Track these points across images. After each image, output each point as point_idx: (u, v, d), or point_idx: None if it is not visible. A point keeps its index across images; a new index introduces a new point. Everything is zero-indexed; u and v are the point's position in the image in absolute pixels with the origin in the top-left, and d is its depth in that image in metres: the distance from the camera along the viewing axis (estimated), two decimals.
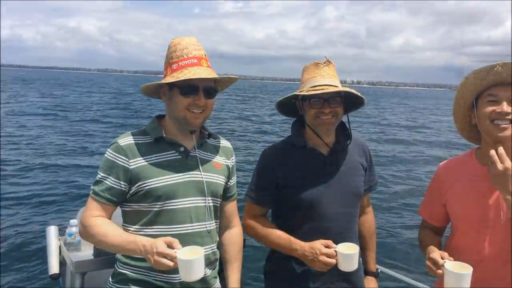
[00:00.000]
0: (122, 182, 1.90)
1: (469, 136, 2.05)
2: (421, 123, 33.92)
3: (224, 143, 2.24)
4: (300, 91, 2.09)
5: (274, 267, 2.31)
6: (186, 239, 1.87)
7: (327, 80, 2.10)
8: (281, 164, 2.18)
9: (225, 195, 2.18)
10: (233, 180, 2.25)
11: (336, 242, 1.99)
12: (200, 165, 2.02)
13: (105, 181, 1.91)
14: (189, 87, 1.91)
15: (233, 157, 2.24)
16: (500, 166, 1.70)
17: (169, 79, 1.91)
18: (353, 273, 2.18)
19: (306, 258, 2.02)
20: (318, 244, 1.98)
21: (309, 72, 2.15)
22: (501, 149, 1.73)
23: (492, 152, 1.74)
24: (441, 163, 2.16)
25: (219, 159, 2.14)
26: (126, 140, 1.96)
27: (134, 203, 1.95)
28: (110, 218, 1.95)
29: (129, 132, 2.03)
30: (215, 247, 2.11)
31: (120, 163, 1.90)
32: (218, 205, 2.13)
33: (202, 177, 2.01)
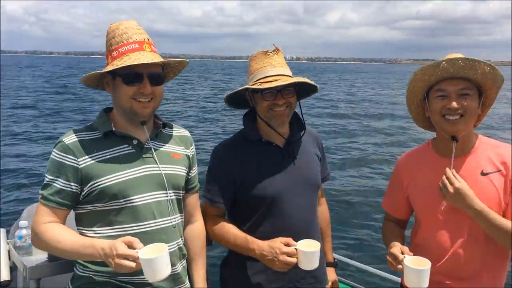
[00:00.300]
0: (72, 184, 1.78)
1: (425, 126, 2.09)
2: (361, 97, 35.03)
3: (182, 131, 2.13)
4: (253, 84, 1.97)
5: (230, 273, 2.18)
6: (150, 237, 1.79)
7: (279, 70, 2.00)
8: (235, 160, 2.06)
9: (187, 187, 2.07)
10: (194, 171, 2.13)
11: (300, 238, 1.91)
12: (156, 158, 1.91)
13: (54, 184, 1.78)
14: (132, 75, 1.78)
15: (192, 146, 2.13)
16: (451, 188, 1.78)
17: (109, 67, 1.79)
18: (318, 267, 2.15)
19: (264, 258, 1.91)
20: (278, 243, 1.88)
21: (258, 61, 2.03)
22: (448, 172, 1.80)
23: (443, 179, 1.81)
24: (400, 157, 2.18)
25: (177, 149, 2.02)
26: (72, 137, 1.83)
27: (89, 204, 1.82)
28: (63, 223, 1.83)
29: (74, 129, 1.90)
30: (182, 242, 2.01)
31: (68, 163, 1.78)
32: (181, 197, 2.02)
33: (160, 170, 1.89)
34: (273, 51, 2.03)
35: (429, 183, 1.95)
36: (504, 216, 1.84)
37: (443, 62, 1.79)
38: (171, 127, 2.08)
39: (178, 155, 2.00)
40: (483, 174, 1.87)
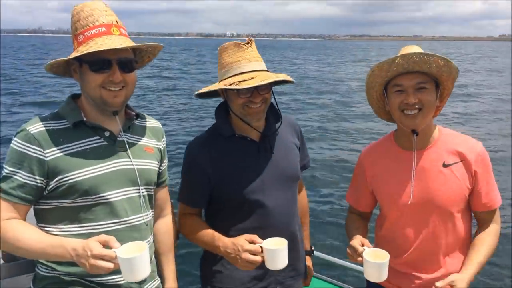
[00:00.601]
0: (37, 177, 1.63)
1: (388, 118, 2.10)
2: (302, 72, 35.49)
3: (153, 122, 2.01)
4: (228, 81, 1.84)
5: (209, 268, 2.10)
6: (122, 235, 1.69)
7: (254, 64, 1.90)
8: (210, 158, 1.97)
9: (157, 181, 1.97)
10: (165, 164, 2.04)
11: (282, 233, 1.85)
12: (129, 151, 1.79)
13: (15, 177, 1.62)
14: (99, 62, 1.65)
15: (163, 139, 2.03)
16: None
17: (74, 54, 1.64)
18: (299, 259, 2.13)
19: (228, 255, 1.83)
20: (241, 240, 1.79)
21: (231, 54, 1.91)
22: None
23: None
24: (363, 150, 2.18)
25: (150, 142, 1.92)
26: (37, 126, 1.66)
27: (54, 199, 1.68)
28: (24, 220, 1.67)
29: (39, 116, 1.72)
30: (152, 239, 1.94)
31: (33, 154, 1.62)
32: (152, 193, 1.93)
33: (133, 165, 1.78)
34: (247, 43, 1.92)
35: (393, 176, 1.97)
36: (469, 201, 1.92)
37: (398, 58, 1.78)
38: (143, 117, 1.96)
39: (150, 148, 1.90)
40: (445, 165, 1.90)
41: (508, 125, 15.05)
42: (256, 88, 1.85)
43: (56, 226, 1.70)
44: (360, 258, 1.77)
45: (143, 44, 1.77)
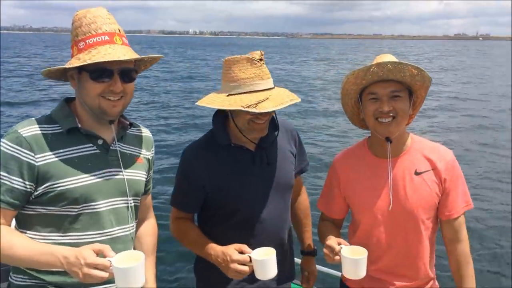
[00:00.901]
0: (27, 182, 1.57)
1: (362, 126, 2.12)
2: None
3: (145, 132, 2.00)
4: (247, 106, 1.78)
5: (202, 272, 2.17)
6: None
7: (267, 83, 1.89)
8: (205, 166, 1.98)
9: (144, 189, 1.96)
10: (151, 173, 2.02)
11: (272, 242, 1.88)
12: (121, 161, 1.77)
13: (4, 181, 1.55)
14: (101, 71, 1.61)
15: (153, 148, 2.02)
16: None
17: (75, 62, 1.60)
18: (285, 265, 2.14)
19: (219, 265, 1.86)
20: (231, 250, 1.81)
21: (243, 70, 1.87)
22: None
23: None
24: (336, 156, 2.18)
25: (140, 152, 1.90)
26: (31, 129, 1.61)
27: (40, 205, 1.63)
28: (10, 225, 1.61)
29: (33, 119, 1.67)
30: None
31: (24, 158, 1.57)
32: (139, 204, 1.91)
33: (123, 175, 1.77)
34: (260, 59, 1.89)
35: (367, 184, 1.99)
36: (438, 208, 1.96)
37: (373, 67, 1.80)
38: (135, 126, 1.92)
39: (140, 159, 1.89)
40: (416, 173, 1.94)
41: (463, 121, 15.80)
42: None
43: (38, 233, 1.65)
44: (337, 257, 1.77)
45: (146, 56, 1.76)
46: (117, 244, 1.73)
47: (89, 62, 1.56)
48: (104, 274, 1.42)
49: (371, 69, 1.81)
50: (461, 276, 1.96)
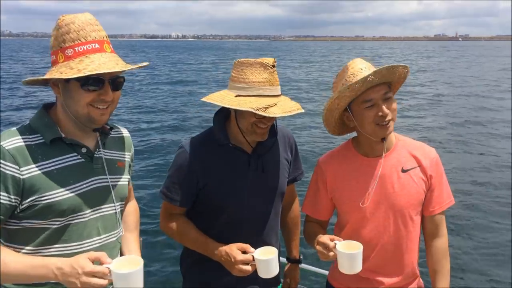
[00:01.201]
0: (12, 196, 1.52)
1: (339, 133, 2.13)
2: None
3: (124, 133, 1.97)
4: (258, 109, 1.80)
5: (188, 268, 2.21)
6: None
7: (276, 89, 1.92)
8: (201, 162, 2.00)
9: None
10: (131, 170, 2.01)
11: (258, 244, 1.90)
12: (106, 168, 1.75)
13: None
14: (92, 80, 1.57)
15: (132, 148, 2.00)
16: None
17: (68, 72, 1.54)
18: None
19: (223, 263, 1.93)
20: (234, 250, 1.87)
21: (256, 74, 1.89)
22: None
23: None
24: (321, 158, 2.18)
25: (121, 156, 1.88)
26: (14, 142, 1.56)
27: (25, 219, 1.58)
28: None
29: (13, 129, 1.62)
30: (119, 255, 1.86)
31: (9, 172, 1.51)
32: (123, 207, 1.92)
33: (108, 182, 1.74)
34: (272, 66, 1.92)
35: (355, 183, 2.01)
36: (425, 203, 2.01)
37: (370, 76, 1.80)
38: (114, 129, 1.90)
39: (122, 163, 1.86)
40: (403, 171, 1.97)
41: (440, 119, 16.05)
42: None
43: (22, 247, 1.61)
44: (332, 253, 1.78)
45: (136, 66, 1.71)
46: (105, 251, 1.68)
47: (89, 73, 1.52)
48: (103, 282, 1.41)
49: (368, 79, 1.80)
50: (436, 270, 2.00)
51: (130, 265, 1.46)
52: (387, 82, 1.90)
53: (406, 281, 2.04)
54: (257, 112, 1.80)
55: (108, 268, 1.43)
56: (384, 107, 1.86)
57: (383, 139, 1.94)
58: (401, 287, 2.04)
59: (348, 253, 1.73)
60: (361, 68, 1.89)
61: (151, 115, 16.90)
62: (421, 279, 2.12)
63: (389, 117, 1.87)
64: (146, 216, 6.31)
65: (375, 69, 1.85)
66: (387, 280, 2.01)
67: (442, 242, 2.03)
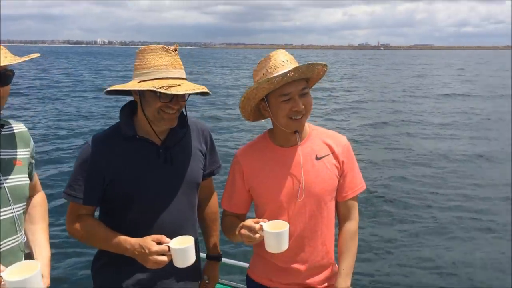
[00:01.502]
0: None
1: (254, 119, 2.17)
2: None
3: (19, 128, 1.86)
4: (159, 87, 1.77)
5: (99, 271, 2.10)
6: None
7: (180, 72, 1.91)
8: (106, 156, 1.93)
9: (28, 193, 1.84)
10: (32, 166, 1.91)
11: (175, 234, 1.85)
12: (0, 169, 1.67)
13: None
14: None
15: (31, 143, 1.89)
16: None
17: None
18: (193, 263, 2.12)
19: (137, 257, 1.85)
20: (148, 241, 1.81)
21: (157, 58, 1.88)
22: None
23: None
24: (238, 151, 2.19)
25: (18, 153, 1.78)
26: None
27: None
28: None
29: None
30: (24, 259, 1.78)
31: None
32: (25, 209, 1.82)
33: (2, 184, 1.66)
34: (174, 49, 1.93)
35: (272, 173, 2.04)
36: (338, 189, 2.08)
37: (290, 72, 1.84)
38: (6, 125, 1.78)
39: (19, 161, 1.77)
40: (317, 158, 2.04)
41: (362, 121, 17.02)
42: (176, 95, 1.85)
43: None
44: (258, 235, 1.80)
45: (30, 56, 1.69)
46: (8, 257, 1.64)
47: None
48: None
49: (288, 75, 1.85)
50: (342, 251, 2.07)
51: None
52: (305, 78, 1.97)
53: (324, 268, 2.10)
54: (159, 90, 1.77)
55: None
56: (299, 102, 1.92)
57: (296, 132, 2.01)
58: (317, 273, 2.09)
59: (275, 232, 1.76)
60: (283, 61, 1.93)
61: (72, 122, 16.52)
62: (336, 264, 2.16)
63: (303, 112, 1.94)
64: (56, 225, 5.98)
65: (296, 64, 1.92)
66: (305, 267, 2.05)
67: (352, 224, 2.11)
